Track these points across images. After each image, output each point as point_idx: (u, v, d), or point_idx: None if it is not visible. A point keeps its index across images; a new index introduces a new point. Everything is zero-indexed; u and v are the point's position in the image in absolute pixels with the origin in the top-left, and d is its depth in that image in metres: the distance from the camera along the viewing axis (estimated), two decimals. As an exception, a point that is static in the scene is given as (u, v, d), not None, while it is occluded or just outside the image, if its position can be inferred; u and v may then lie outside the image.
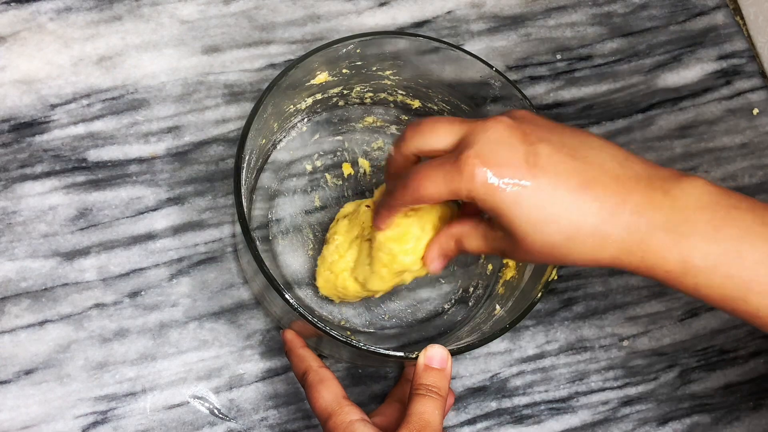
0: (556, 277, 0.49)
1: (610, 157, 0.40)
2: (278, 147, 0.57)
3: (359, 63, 0.53)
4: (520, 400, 0.56)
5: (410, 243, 0.47)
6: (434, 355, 0.45)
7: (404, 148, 0.44)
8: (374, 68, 0.54)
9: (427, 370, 0.44)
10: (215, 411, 0.53)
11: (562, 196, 0.38)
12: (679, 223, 0.38)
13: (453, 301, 0.57)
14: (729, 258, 0.38)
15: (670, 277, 0.39)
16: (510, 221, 0.39)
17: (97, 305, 0.53)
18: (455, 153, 0.40)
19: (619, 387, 0.58)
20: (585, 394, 0.57)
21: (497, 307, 0.52)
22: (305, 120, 0.58)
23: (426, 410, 0.42)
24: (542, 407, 0.57)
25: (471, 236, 0.44)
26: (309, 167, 0.58)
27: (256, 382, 0.54)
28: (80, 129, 0.56)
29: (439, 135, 0.42)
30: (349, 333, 0.54)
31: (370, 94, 0.58)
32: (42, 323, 0.52)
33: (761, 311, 0.38)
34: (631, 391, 0.58)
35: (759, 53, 0.68)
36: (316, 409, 0.45)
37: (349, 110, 0.59)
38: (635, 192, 0.39)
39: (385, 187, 0.49)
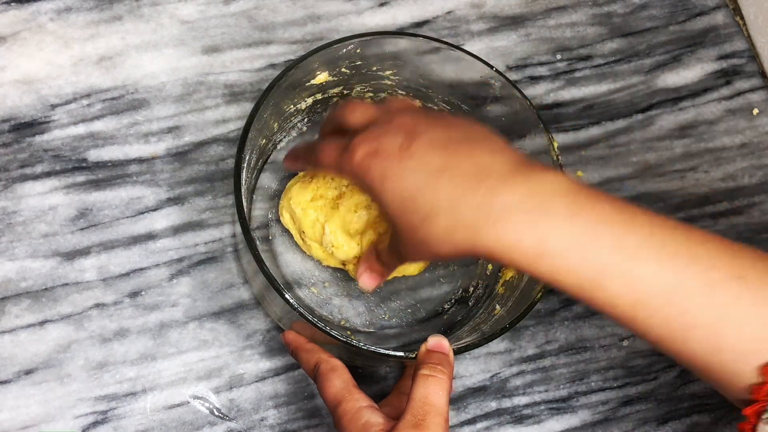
0: None
1: (486, 150, 0.40)
2: (278, 147, 0.57)
3: (359, 63, 0.53)
4: (520, 400, 0.56)
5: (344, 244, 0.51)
6: (436, 342, 0.45)
7: (330, 117, 0.48)
8: (374, 68, 0.54)
9: (429, 353, 0.44)
10: (215, 411, 0.53)
11: (421, 179, 0.39)
12: (536, 205, 0.38)
13: (453, 301, 0.57)
14: (586, 240, 0.37)
15: (525, 261, 0.38)
16: (380, 202, 0.41)
17: (98, 305, 0.53)
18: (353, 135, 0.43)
19: (619, 387, 0.58)
20: (585, 394, 0.57)
21: (497, 307, 0.52)
22: (305, 120, 0.58)
23: (430, 392, 0.41)
24: (542, 407, 0.57)
25: (383, 241, 0.47)
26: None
27: (256, 382, 0.54)
28: (80, 129, 0.56)
29: (355, 114, 0.45)
30: (349, 333, 0.54)
31: (370, 94, 0.58)
32: (42, 323, 0.52)
33: (616, 299, 0.37)
34: (631, 391, 0.58)
35: (759, 53, 0.68)
36: (326, 397, 0.45)
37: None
38: (492, 177, 0.39)
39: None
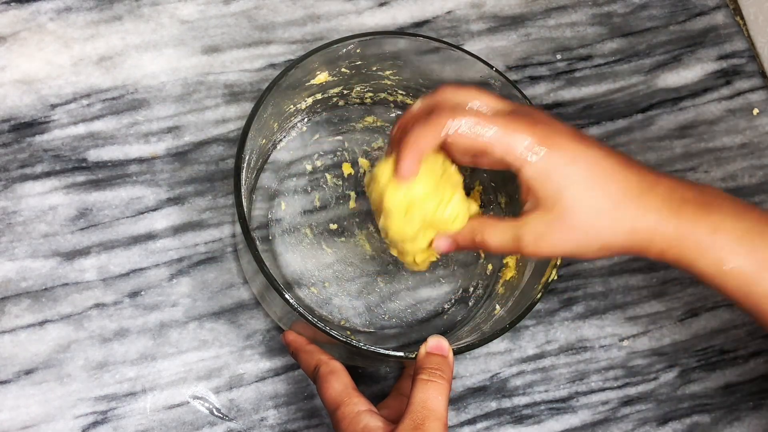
0: (556, 277, 0.49)
1: (633, 162, 0.44)
2: (278, 147, 0.57)
3: (359, 63, 0.53)
4: (520, 400, 0.56)
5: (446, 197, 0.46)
6: (435, 343, 0.44)
7: (441, 97, 0.45)
8: (374, 68, 0.54)
9: (429, 356, 0.44)
10: (215, 411, 0.53)
11: (610, 165, 0.42)
12: (707, 201, 0.42)
13: (453, 301, 0.57)
14: (755, 233, 0.42)
15: (698, 249, 0.42)
16: (560, 183, 0.41)
17: (97, 305, 0.53)
18: (504, 116, 0.43)
19: (619, 387, 0.58)
20: (585, 394, 0.57)
21: (497, 307, 0.52)
22: (305, 120, 0.58)
23: (429, 396, 0.42)
24: (542, 407, 0.57)
25: (494, 229, 0.44)
26: (309, 167, 0.58)
27: (256, 382, 0.54)
28: (80, 129, 0.56)
29: (480, 99, 0.44)
30: (349, 333, 0.54)
31: (370, 94, 0.58)
32: (42, 323, 0.52)
33: None
34: (631, 391, 0.58)
35: (759, 53, 0.68)
36: (325, 400, 0.45)
37: (349, 110, 0.59)
38: (664, 178, 0.43)
39: (389, 152, 0.48)
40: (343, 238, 0.56)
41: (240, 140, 0.47)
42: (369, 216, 0.57)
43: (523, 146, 0.41)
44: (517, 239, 0.43)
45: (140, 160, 0.56)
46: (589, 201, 0.41)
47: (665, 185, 0.42)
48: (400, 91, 0.57)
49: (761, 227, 0.42)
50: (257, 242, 0.51)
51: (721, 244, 0.41)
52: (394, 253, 0.49)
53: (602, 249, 0.43)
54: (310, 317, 0.44)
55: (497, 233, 0.44)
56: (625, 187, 0.42)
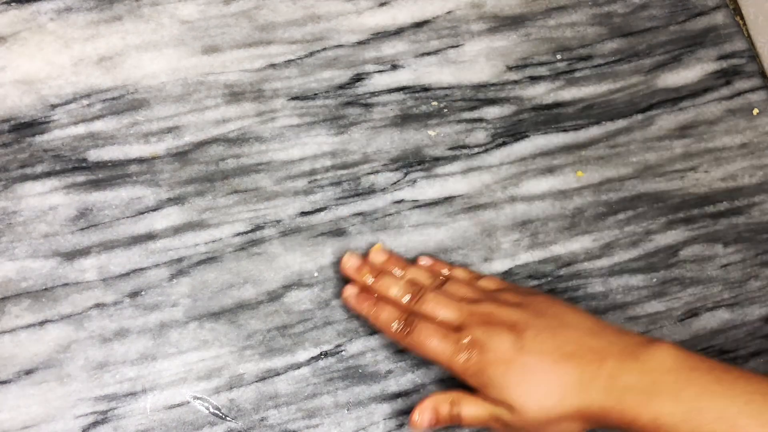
0: None
1: (587, 331, 0.48)
2: (278, 146, 0.57)
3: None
4: (520, 400, 0.56)
5: None
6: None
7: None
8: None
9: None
10: (215, 411, 0.53)
11: (548, 368, 0.46)
12: (648, 384, 0.44)
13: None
14: (692, 415, 0.43)
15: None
16: (501, 393, 0.47)
17: (98, 305, 0.53)
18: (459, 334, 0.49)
19: (619, 387, 0.58)
20: (585, 394, 0.57)
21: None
22: (305, 119, 0.58)
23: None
24: (542, 407, 0.57)
25: (468, 402, 0.49)
26: (309, 167, 0.58)
27: (256, 382, 0.54)
28: (80, 129, 0.56)
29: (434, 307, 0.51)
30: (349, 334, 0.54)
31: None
32: (42, 323, 0.52)
33: None
34: (631, 391, 0.58)
35: (759, 53, 0.68)
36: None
37: (350, 110, 0.59)
38: (610, 359, 0.46)
39: None
40: (343, 239, 0.56)
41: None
42: (369, 216, 0.57)
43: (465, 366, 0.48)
44: (489, 415, 0.48)
45: (140, 160, 0.56)
46: (535, 403, 0.46)
47: (607, 373, 0.45)
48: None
49: (702, 404, 0.43)
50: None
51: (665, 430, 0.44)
52: None
53: (562, 421, 0.47)
54: None
55: (471, 407, 0.49)
56: (564, 386, 0.46)
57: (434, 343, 0.49)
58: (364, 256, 0.55)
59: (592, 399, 0.45)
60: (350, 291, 0.53)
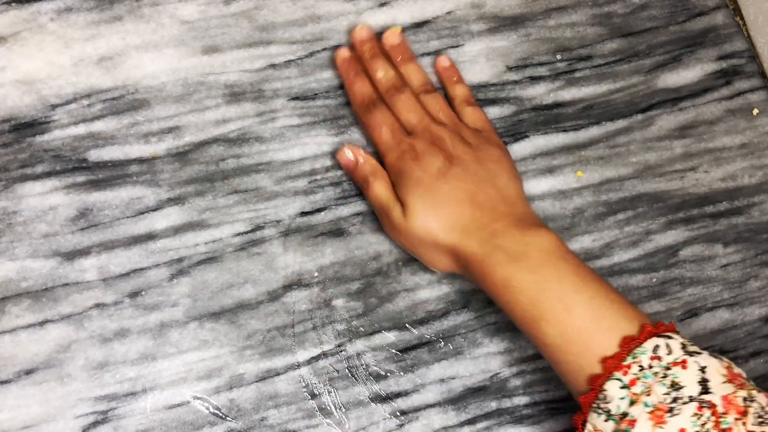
0: None
1: (504, 195, 0.52)
2: (278, 146, 0.57)
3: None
4: (520, 400, 0.56)
5: None
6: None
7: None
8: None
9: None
10: (215, 411, 0.53)
11: (452, 202, 0.51)
12: (517, 252, 0.48)
13: (452, 302, 0.57)
14: (539, 286, 0.47)
15: (493, 289, 0.48)
16: (407, 195, 0.52)
17: (98, 305, 0.53)
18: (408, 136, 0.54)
19: (619, 387, 0.58)
20: (585, 394, 0.57)
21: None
22: (305, 119, 0.58)
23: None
24: (542, 407, 0.57)
25: (383, 182, 0.54)
26: (309, 167, 0.58)
27: (256, 382, 0.54)
28: (81, 129, 0.56)
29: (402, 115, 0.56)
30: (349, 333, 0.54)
31: (370, 94, 0.58)
32: (42, 323, 0.52)
33: (547, 339, 0.46)
34: (631, 391, 0.58)
35: (759, 53, 0.68)
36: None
37: (350, 110, 0.59)
38: (502, 220, 0.50)
39: None
40: (343, 239, 0.57)
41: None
42: (369, 216, 0.57)
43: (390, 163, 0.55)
44: (385, 201, 0.53)
45: (140, 160, 0.56)
46: (423, 218, 0.51)
47: (492, 229, 0.49)
48: (400, 91, 0.57)
49: (552, 284, 0.47)
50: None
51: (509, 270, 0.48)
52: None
53: (436, 248, 0.51)
54: None
55: (379, 185, 0.54)
56: (456, 223, 0.50)
57: (383, 131, 0.54)
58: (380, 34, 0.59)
59: (468, 243, 0.49)
60: (344, 53, 0.58)
